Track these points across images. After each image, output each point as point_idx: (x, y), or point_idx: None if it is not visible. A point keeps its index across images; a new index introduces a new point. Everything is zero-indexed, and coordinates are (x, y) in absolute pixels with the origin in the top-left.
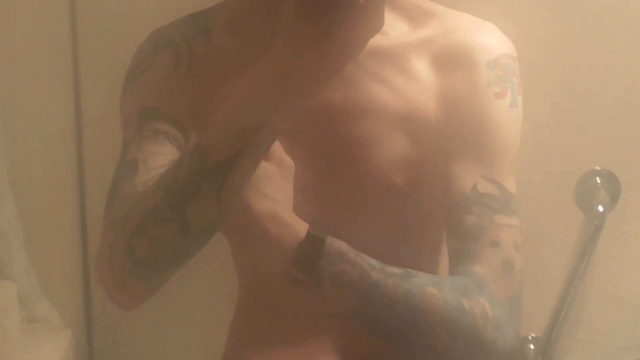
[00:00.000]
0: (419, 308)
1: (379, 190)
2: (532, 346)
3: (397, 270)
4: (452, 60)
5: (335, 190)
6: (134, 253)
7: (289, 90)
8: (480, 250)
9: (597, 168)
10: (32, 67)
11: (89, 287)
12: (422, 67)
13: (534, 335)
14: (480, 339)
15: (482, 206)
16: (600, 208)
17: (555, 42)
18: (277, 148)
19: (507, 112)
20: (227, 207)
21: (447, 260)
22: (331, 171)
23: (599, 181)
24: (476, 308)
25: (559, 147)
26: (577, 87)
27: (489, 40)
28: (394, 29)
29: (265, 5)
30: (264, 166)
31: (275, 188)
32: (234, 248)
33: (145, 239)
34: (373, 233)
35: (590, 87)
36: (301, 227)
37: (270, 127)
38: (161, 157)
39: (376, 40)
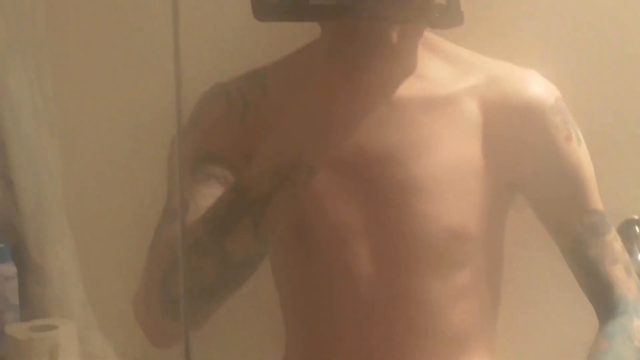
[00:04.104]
0: None
1: (431, 233)
2: (637, 228)
3: None
4: (508, 110)
5: (388, 233)
6: (170, 291)
7: (323, 128)
8: (609, 273)
9: (636, 217)
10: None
11: None
12: (473, 114)
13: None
14: None
15: (595, 236)
16: None
17: (596, 87)
18: None
19: (578, 150)
20: (265, 242)
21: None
22: (385, 214)
23: (638, 230)
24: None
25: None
26: (615, 135)
27: (542, 88)
28: (441, 77)
29: (317, 59)
30: None
31: None
32: (283, 290)
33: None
34: (422, 275)
35: (630, 135)
36: None
37: (305, 164)
38: (211, 199)
39: (426, 88)
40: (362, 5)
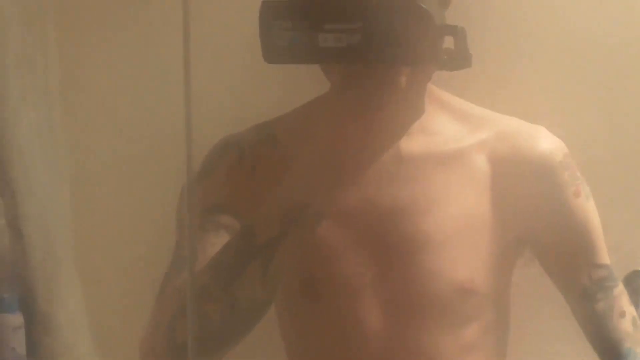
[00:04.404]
0: None
1: (440, 288)
2: None
3: None
4: (517, 166)
5: (397, 287)
6: (177, 336)
7: (331, 172)
8: (616, 328)
9: None
10: (96, 169)
11: None
12: (482, 169)
13: None
14: None
15: (602, 291)
16: None
17: (602, 138)
18: None
19: (586, 206)
20: (273, 286)
21: (487, 354)
22: (394, 268)
23: None
24: None
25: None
26: (621, 186)
27: (551, 144)
28: (450, 132)
29: (326, 108)
30: None
31: None
32: (289, 340)
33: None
34: (431, 329)
35: (636, 186)
36: None
37: (314, 208)
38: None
39: (436, 143)
40: (371, 47)
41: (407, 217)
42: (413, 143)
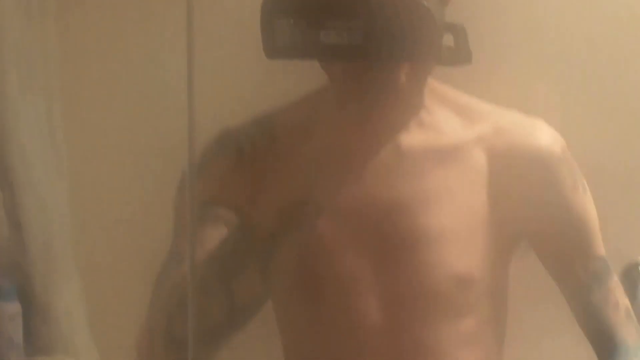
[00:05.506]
0: None
1: (439, 281)
2: None
3: None
4: (515, 160)
5: (396, 281)
6: (175, 331)
7: (330, 168)
8: (610, 319)
9: None
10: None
11: None
12: (479, 163)
13: None
14: None
15: (598, 282)
16: None
17: (599, 131)
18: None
19: (584, 199)
20: (271, 282)
21: (484, 345)
22: (393, 263)
23: None
24: None
25: (604, 237)
26: (618, 179)
27: (548, 138)
28: (448, 126)
29: (325, 104)
30: None
31: None
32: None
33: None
34: (429, 322)
35: (633, 179)
36: None
37: (313, 205)
38: (218, 242)
39: (435, 138)
40: (373, 45)
41: (406, 212)
42: (412, 138)
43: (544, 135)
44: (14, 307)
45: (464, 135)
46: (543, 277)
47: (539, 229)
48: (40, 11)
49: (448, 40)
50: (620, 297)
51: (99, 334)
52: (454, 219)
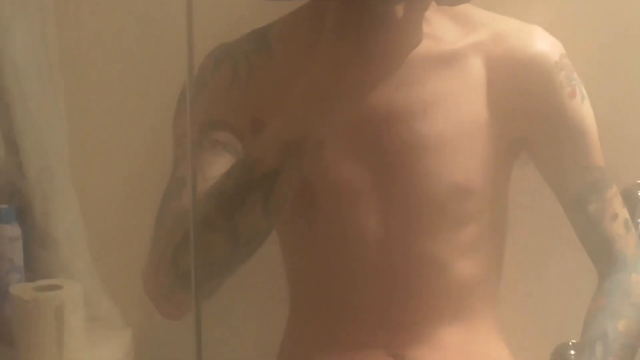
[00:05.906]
0: None
1: (439, 190)
2: (572, 352)
3: None
4: (513, 66)
5: (396, 190)
6: (180, 264)
7: (330, 103)
8: (608, 229)
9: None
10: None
11: None
12: (478, 70)
13: (574, 341)
14: None
15: (596, 193)
16: None
17: (602, 44)
18: None
19: (582, 107)
20: (274, 216)
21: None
22: (393, 172)
23: None
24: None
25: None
26: (619, 100)
27: (547, 44)
28: (447, 35)
29: (321, 18)
30: None
31: None
32: (290, 253)
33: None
34: (430, 231)
35: (633, 99)
36: None
37: (313, 139)
38: (218, 167)
39: (432, 45)
40: None
41: (404, 120)
42: None
43: (542, 42)
44: (14, 230)
45: (461, 42)
46: (542, 187)
47: (537, 137)
48: None
49: None
50: (618, 208)
51: (99, 258)
52: (453, 126)
